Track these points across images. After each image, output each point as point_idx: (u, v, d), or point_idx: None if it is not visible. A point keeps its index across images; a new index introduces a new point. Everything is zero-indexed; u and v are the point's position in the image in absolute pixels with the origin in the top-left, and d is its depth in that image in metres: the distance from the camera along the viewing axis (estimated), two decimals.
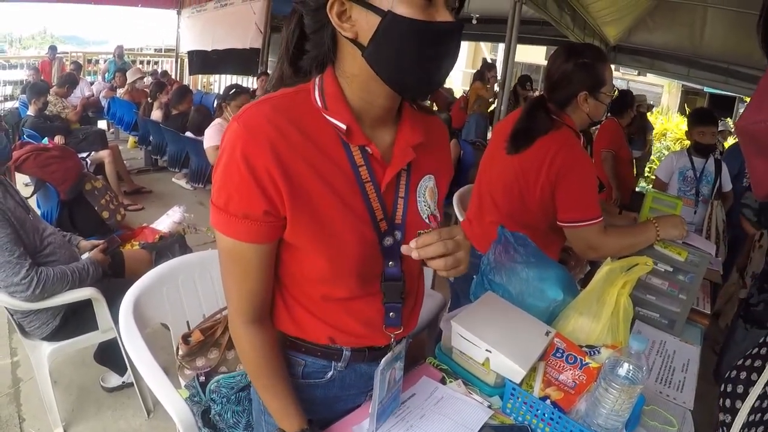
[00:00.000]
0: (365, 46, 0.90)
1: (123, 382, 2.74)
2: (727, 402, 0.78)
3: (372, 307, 1.10)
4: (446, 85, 9.81)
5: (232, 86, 5.54)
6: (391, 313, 1.11)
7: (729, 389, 0.79)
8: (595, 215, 1.82)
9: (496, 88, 7.22)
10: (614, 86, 1.97)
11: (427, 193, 1.11)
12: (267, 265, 1.02)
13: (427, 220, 1.10)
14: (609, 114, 4.78)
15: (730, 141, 8.22)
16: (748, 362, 0.79)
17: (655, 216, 1.96)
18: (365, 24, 0.89)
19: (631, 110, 4.57)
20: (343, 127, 0.96)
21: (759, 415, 0.69)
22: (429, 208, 1.11)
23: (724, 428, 0.77)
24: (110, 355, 2.62)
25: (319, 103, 0.97)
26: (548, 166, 1.83)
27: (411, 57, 0.90)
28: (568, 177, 1.82)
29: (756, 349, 0.79)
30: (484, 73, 7.33)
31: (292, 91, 0.99)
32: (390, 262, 1.06)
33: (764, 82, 0.61)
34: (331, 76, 0.98)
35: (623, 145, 4.46)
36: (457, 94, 10.45)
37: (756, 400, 0.71)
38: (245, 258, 0.98)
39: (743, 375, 0.78)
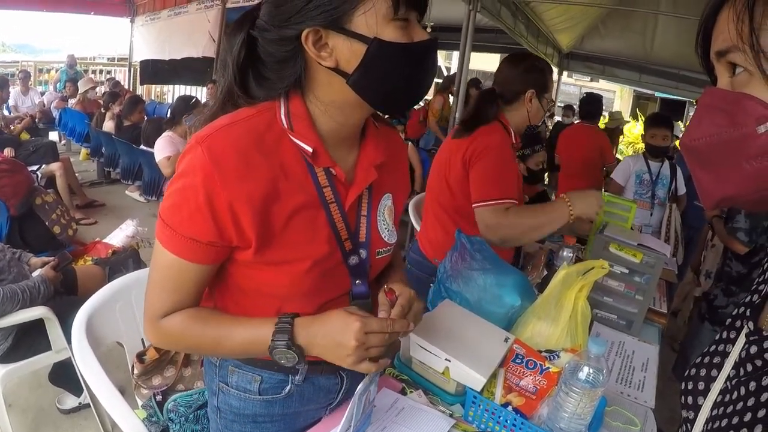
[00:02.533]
0: (349, 73, 0.90)
1: (80, 403, 2.65)
2: (689, 399, 0.79)
3: None
4: None
5: (188, 97, 5.43)
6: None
7: (690, 387, 0.80)
8: (494, 196, 1.83)
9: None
10: (554, 100, 2.10)
11: (386, 212, 1.13)
12: (204, 282, 1.00)
13: (386, 240, 1.13)
14: (579, 120, 4.92)
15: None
16: (707, 359, 0.80)
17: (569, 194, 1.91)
18: (348, 52, 0.88)
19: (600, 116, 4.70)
20: (309, 150, 0.95)
21: (722, 408, 0.70)
22: (387, 227, 1.13)
23: (688, 424, 0.78)
24: (65, 376, 2.53)
25: (285, 124, 0.95)
26: (463, 153, 1.93)
27: (399, 78, 0.92)
28: (477, 162, 1.89)
29: (714, 347, 0.81)
30: (448, 87, 7.33)
31: (255, 112, 0.96)
32: (357, 281, 1.07)
33: (703, 101, 0.64)
34: (298, 98, 0.97)
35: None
36: None
37: (718, 395, 0.73)
38: (183, 274, 0.96)
39: (703, 372, 0.79)
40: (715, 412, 0.72)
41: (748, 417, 0.65)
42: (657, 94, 15.53)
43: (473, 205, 1.88)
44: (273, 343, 0.94)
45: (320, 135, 0.98)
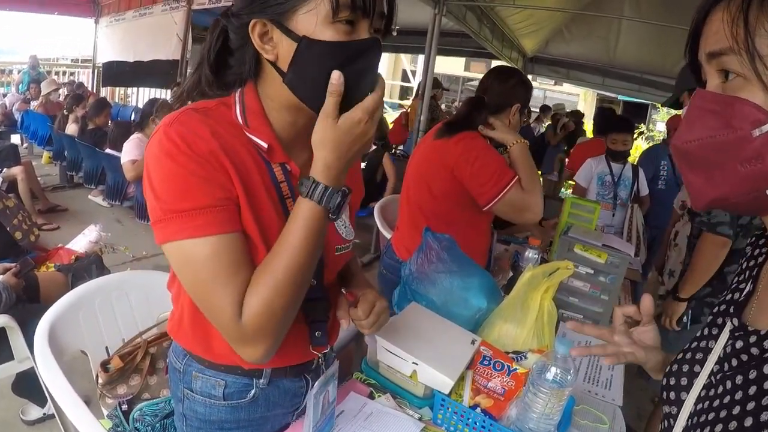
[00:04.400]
0: (285, 71, 0.91)
1: (44, 414, 2.58)
2: (672, 394, 0.81)
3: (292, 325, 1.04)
4: None
5: (156, 99, 5.36)
6: (317, 332, 1.10)
7: (672, 382, 0.82)
8: (508, 180, 1.89)
9: (443, 107, 7.24)
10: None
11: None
12: (249, 254, 0.93)
13: (344, 236, 1.12)
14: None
15: (644, 145, 8.61)
16: (689, 356, 0.82)
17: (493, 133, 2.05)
18: (284, 49, 0.89)
19: None
20: (265, 145, 0.96)
21: (707, 402, 0.72)
22: (344, 223, 1.13)
23: (671, 419, 0.79)
24: (29, 386, 2.46)
25: (240, 120, 0.96)
26: (447, 158, 1.97)
27: (328, 79, 0.88)
28: (473, 164, 1.93)
29: (695, 343, 0.83)
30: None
31: (213, 104, 0.97)
32: (313, 281, 1.02)
33: (694, 103, 0.65)
34: (252, 92, 0.99)
35: None
36: None
37: (702, 390, 0.75)
38: (228, 252, 0.88)
39: (685, 368, 0.81)
40: (699, 406, 0.74)
41: (736, 410, 0.67)
42: (620, 97, 15.83)
43: (495, 200, 1.89)
44: (313, 196, 0.89)
45: (274, 130, 0.99)
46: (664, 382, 0.84)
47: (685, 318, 2.43)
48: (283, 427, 1.21)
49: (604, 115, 5.15)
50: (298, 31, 0.87)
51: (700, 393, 0.75)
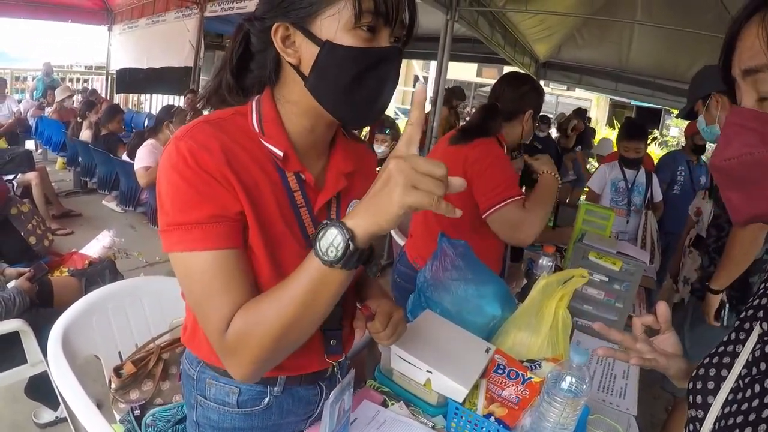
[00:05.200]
0: (307, 75, 0.91)
1: (57, 417, 2.59)
2: (698, 398, 0.80)
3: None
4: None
5: (171, 106, 5.41)
6: (332, 341, 1.11)
7: (699, 386, 0.81)
8: (512, 194, 1.87)
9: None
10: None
11: None
12: (246, 271, 0.92)
13: None
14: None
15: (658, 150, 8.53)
16: (716, 360, 0.81)
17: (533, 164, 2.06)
18: (307, 53, 0.90)
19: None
20: (280, 153, 0.96)
21: (734, 406, 0.72)
22: None
23: (696, 423, 0.79)
24: (42, 390, 2.47)
25: (256, 127, 0.96)
26: (463, 163, 1.98)
27: (350, 84, 0.90)
28: (486, 169, 1.94)
29: (722, 347, 0.82)
30: (451, 100, 7.29)
31: (229, 114, 0.98)
32: None
33: (732, 120, 0.65)
34: (269, 100, 0.99)
35: None
36: (390, 110, 10.47)
37: (729, 394, 0.74)
38: (222, 267, 0.88)
39: (712, 372, 0.80)
40: (726, 409, 0.73)
41: (765, 413, 0.66)
42: (633, 102, 15.76)
43: (493, 209, 1.88)
44: (324, 250, 0.79)
45: (290, 139, 0.99)
46: (691, 386, 0.83)
47: (723, 312, 2.36)
48: None
49: (634, 124, 5.10)
50: (320, 36, 0.88)
51: (727, 397, 0.75)
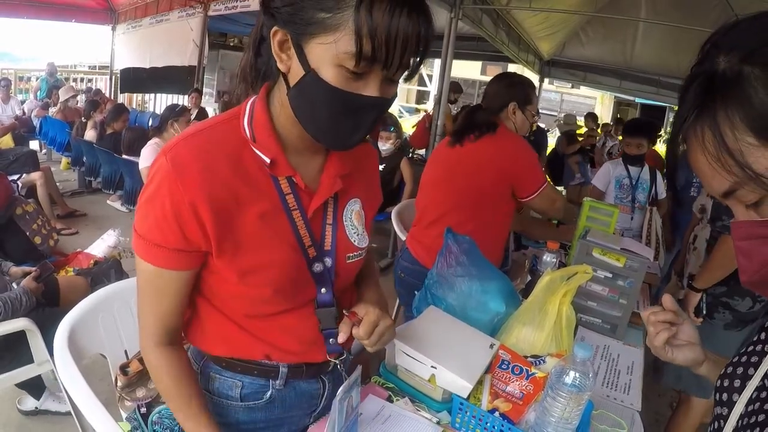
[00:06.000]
0: (290, 88, 0.91)
1: (36, 408, 2.60)
2: (724, 396, 0.81)
3: (306, 324, 1.10)
4: None
5: (175, 105, 5.41)
6: (331, 340, 1.11)
7: (726, 384, 0.82)
8: (544, 180, 2.24)
9: (454, 110, 7.21)
10: (537, 112, 2.44)
11: (353, 216, 1.13)
12: (183, 291, 1.01)
13: (356, 244, 1.13)
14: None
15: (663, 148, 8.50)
16: (744, 359, 0.82)
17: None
18: (295, 68, 0.89)
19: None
20: (268, 161, 0.96)
21: (758, 404, 0.73)
22: (357, 231, 1.14)
23: (721, 420, 0.79)
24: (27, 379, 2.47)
25: (247, 133, 0.97)
26: (500, 160, 2.18)
27: (324, 118, 0.90)
28: (519, 160, 2.19)
29: (751, 347, 0.83)
30: (449, 94, 7.24)
31: (223, 120, 0.99)
32: (322, 289, 1.08)
33: (739, 235, 0.67)
34: (262, 102, 0.98)
35: None
36: (394, 108, 10.44)
37: (753, 392, 0.75)
38: (162, 282, 0.98)
39: (740, 370, 0.81)
40: (750, 407, 0.74)
41: None
42: (637, 100, 15.73)
43: (535, 193, 2.20)
44: None
45: (282, 140, 0.99)
46: (718, 384, 0.84)
47: (701, 303, 2.44)
48: (301, 429, 1.21)
49: (641, 123, 5.06)
50: (310, 58, 0.86)
51: (752, 395, 0.75)
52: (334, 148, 1.00)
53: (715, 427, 0.81)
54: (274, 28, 0.89)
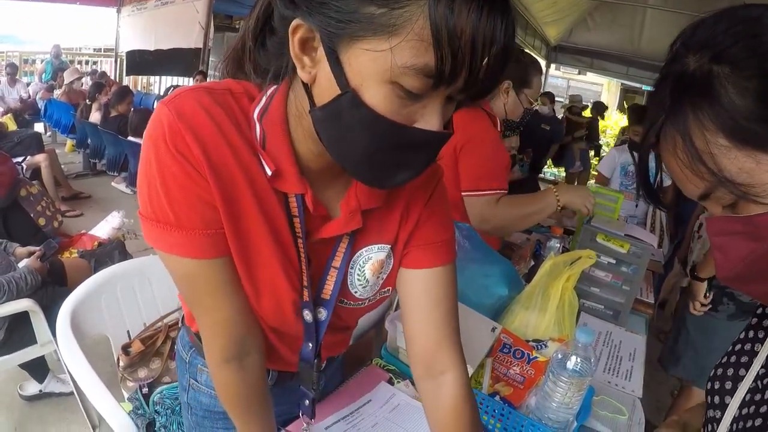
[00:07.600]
0: (315, 104, 0.66)
1: (40, 391, 2.62)
2: (716, 398, 0.79)
3: (288, 352, 0.98)
4: None
5: (174, 86, 5.39)
6: (305, 401, 1.01)
7: (717, 386, 0.80)
8: (488, 187, 1.81)
9: None
10: (537, 100, 2.10)
11: (368, 267, 0.88)
12: (236, 282, 0.80)
13: (356, 295, 0.90)
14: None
15: None
16: (733, 359, 0.80)
17: (558, 185, 1.93)
18: (324, 81, 0.64)
19: None
20: (269, 171, 0.74)
21: (752, 407, 0.71)
22: (364, 283, 0.90)
23: (714, 424, 0.78)
24: (32, 361, 2.47)
25: (257, 132, 0.73)
26: (460, 133, 1.83)
27: (361, 152, 0.66)
28: (470, 150, 1.84)
29: (739, 346, 0.81)
30: None
31: (238, 89, 0.75)
32: (309, 343, 0.91)
33: (714, 231, 0.66)
34: (280, 104, 0.74)
35: None
36: None
37: (746, 394, 0.73)
38: (214, 278, 0.77)
39: (730, 371, 0.79)
40: (744, 410, 0.72)
41: None
42: (644, 87, 15.59)
43: (464, 193, 1.82)
44: None
45: (296, 152, 0.76)
46: (709, 386, 0.82)
47: (707, 293, 2.41)
48: (292, 419, 1.15)
49: (639, 108, 5.08)
50: (347, 69, 0.60)
51: (744, 397, 0.74)
52: (370, 185, 0.73)
53: (708, 430, 0.80)
54: (296, 21, 0.63)
